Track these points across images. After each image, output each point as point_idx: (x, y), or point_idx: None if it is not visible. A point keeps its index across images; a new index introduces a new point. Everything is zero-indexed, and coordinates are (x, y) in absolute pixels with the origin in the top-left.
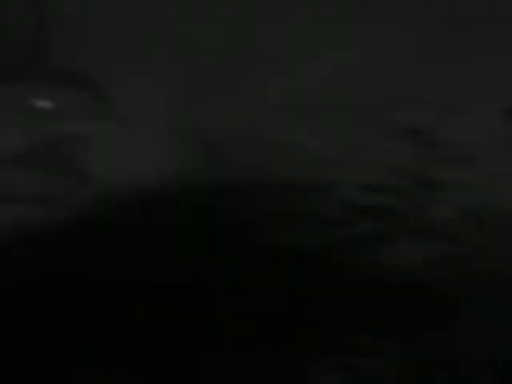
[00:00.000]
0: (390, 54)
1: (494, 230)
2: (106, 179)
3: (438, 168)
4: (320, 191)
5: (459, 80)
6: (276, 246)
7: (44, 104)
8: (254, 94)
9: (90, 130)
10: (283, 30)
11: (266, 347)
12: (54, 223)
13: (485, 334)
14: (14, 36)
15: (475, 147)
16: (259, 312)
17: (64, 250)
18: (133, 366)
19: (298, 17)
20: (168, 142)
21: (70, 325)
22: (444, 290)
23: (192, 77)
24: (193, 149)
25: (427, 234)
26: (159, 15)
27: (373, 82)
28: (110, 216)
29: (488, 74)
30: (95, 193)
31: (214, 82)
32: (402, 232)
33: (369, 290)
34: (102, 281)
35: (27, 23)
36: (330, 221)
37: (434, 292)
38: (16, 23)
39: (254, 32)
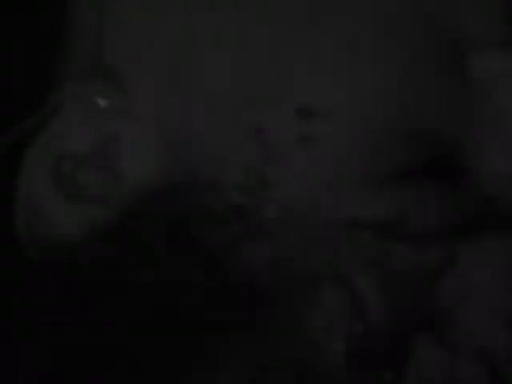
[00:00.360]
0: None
1: (302, 229)
2: (132, 178)
3: (268, 167)
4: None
5: (276, 78)
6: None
7: (104, 103)
8: None
9: (123, 128)
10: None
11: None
12: (112, 222)
13: (292, 335)
14: (82, 34)
15: (284, 146)
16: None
17: (125, 248)
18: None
19: None
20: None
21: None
22: (274, 291)
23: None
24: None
25: (261, 235)
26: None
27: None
28: (146, 215)
29: (299, 73)
30: (127, 192)
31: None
32: (248, 232)
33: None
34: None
35: (91, 22)
36: (219, 221)
37: (267, 293)
38: (82, 22)
39: None
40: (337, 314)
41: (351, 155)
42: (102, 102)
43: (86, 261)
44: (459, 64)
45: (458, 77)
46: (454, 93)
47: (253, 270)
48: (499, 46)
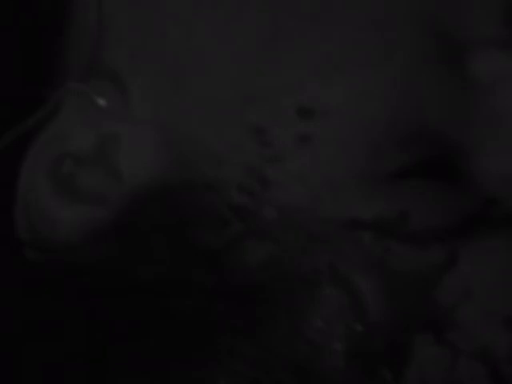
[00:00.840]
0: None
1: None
2: (132, 178)
3: (268, 167)
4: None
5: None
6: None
7: (104, 103)
8: None
9: (123, 128)
10: None
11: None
12: (112, 222)
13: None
14: (82, 34)
15: (284, 146)
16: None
17: (125, 248)
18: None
19: None
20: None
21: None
22: (274, 291)
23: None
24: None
25: (261, 235)
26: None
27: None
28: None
29: (298, 71)
30: (127, 192)
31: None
32: (248, 232)
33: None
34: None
35: (89, 22)
36: (217, 220)
37: (265, 294)
38: (82, 21)
39: None
40: (337, 313)
41: (351, 155)
42: (101, 102)
43: (85, 261)
44: (459, 64)
45: (458, 77)
46: (453, 93)
47: (253, 270)
48: (499, 45)
